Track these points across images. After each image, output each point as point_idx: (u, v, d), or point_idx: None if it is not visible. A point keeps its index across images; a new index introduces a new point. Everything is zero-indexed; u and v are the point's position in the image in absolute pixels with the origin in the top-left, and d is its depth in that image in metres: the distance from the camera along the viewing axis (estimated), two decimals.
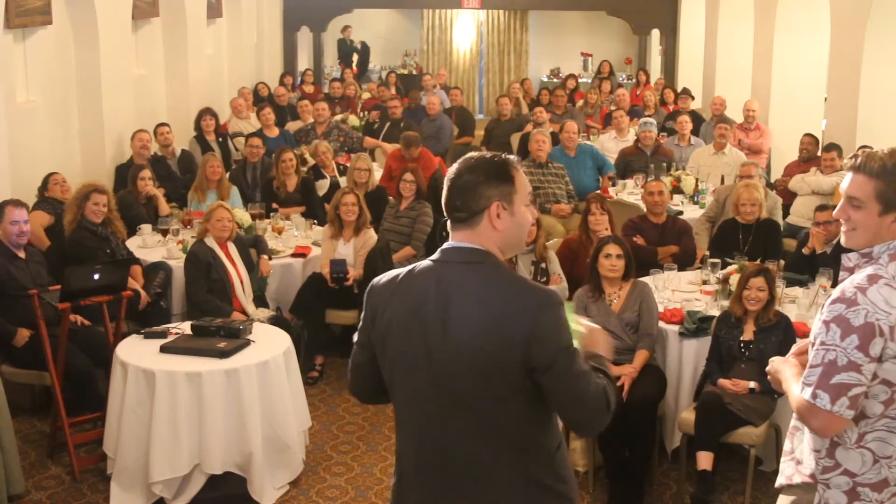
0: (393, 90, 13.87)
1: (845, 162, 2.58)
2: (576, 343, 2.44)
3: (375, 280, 2.59)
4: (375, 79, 17.13)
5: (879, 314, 2.36)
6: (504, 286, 2.40)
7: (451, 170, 2.49)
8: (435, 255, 2.50)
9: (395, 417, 2.60)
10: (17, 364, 5.51)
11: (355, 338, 2.63)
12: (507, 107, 12.00)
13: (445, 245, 2.50)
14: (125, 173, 7.91)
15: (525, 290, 2.40)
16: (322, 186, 8.49)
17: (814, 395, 2.40)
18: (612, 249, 5.17)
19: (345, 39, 18.18)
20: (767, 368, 2.73)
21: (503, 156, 2.51)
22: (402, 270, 2.54)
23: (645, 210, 6.96)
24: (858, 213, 2.48)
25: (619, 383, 4.84)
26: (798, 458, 2.60)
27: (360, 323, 2.60)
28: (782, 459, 2.70)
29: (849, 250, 2.56)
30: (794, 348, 2.74)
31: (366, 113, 12.46)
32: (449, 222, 2.50)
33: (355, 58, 18.21)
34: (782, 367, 2.66)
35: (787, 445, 2.68)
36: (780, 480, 2.67)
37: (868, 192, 2.45)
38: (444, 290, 2.42)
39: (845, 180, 2.54)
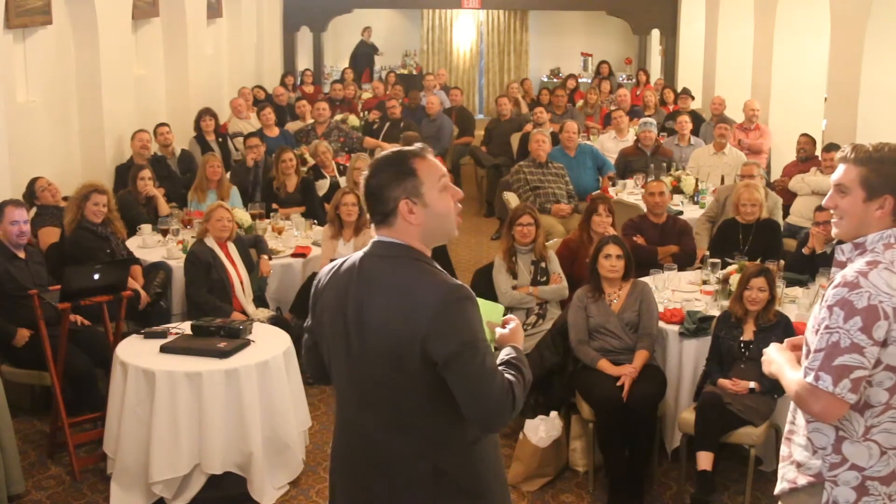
0: (400, 89, 13.87)
1: (837, 156, 2.62)
2: (489, 337, 2.44)
3: (322, 270, 2.65)
4: (376, 78, 17.11)
5: (882, 296, 2.37)
6: (413, 280, 2.40)
7: (365, 172, 2.51)
8: (366, 248, 2.54)
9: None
10: (17, 364, 5.51)
11: (307, 322, 2.70)
12: (506, 107, 12.00)
13: (374, 238, 2.54)
14: (125, 173, 7.92)
15: (432, 284, 2.39)
16: (322, 186, 8.50)
17: (816, 378, 2.40)
18: (612, 250, 5.17)
19: (364, 41, 18.14)
20: (763, 358, 2.73)
21: (403, 149, 2.50)
22: (339, 261, 2.60)
23: (645, 210, 6.96)
24: (844, 200, 2.53)
25: (619, 383, 4.85)
26: (798, 461, 2.59)
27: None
28: (780, 465, 2.68)
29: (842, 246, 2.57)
30: (787, 341, 2.73)
31: (366, 113, 12.46)
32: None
33: (375, 60, 18.25)
34: (777, 356, 2.66)
35: (783, 451, 2.67)
36: (783, 486, 2.64)
37: (853, 177, 2.51)
38: (361, 282, 2.46)
39: (835, 172, 2.60)
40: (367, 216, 6.55)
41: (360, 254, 2.55)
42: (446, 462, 2.45)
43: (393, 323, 2.38)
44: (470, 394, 2.35)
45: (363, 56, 18.07)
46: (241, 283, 6.08)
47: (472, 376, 2.34)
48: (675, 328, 5.19)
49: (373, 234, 2.50)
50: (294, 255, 6.85)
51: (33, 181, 6.81)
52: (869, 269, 2.41)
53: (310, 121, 10.81)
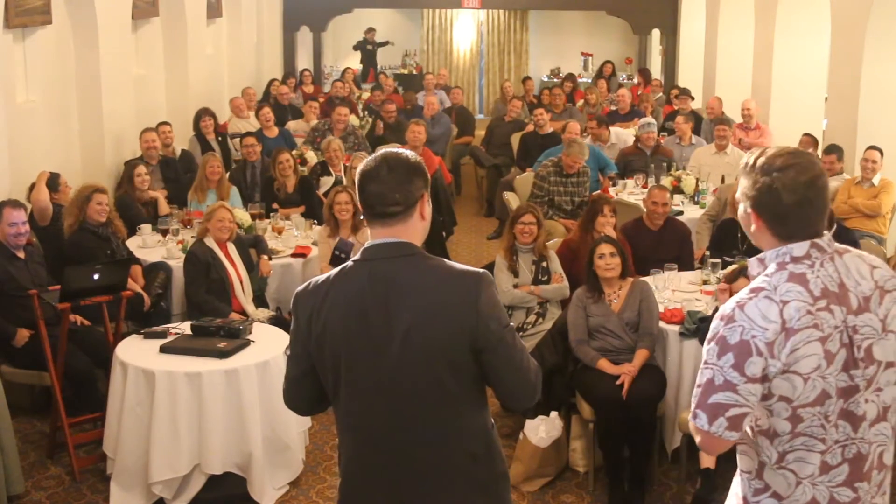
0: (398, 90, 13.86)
1: None
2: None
3: (300, 289, 2.58)
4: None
5: (756, 330, 2.23)
6: (440, 274, 2.44)
7: (371, 168, 2.45)
8: (358, 256, 2.50)
9: (338, 419, 2.61)
10: (17, 364, 5.51)
11: (287, 351, 2.62)
12: (517, 110, 11.99)
13: (368, 244, 2.49)
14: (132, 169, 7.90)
15: (460, 275, 2.44)
16: (326, 183, 8.48)
17: (694, 415, 2.33)
18: (605, 249, 5.17)
19: (367, 42, 18.11)
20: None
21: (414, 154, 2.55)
22: (329, 274, 2.54)
23: (644, 211, 6.88)
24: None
25: (618, 382, 4.85)
26: (735, 490, 2.51)
27: (292, 335, 2.59)
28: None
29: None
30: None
31: (370, 120, 12.37)
32: (371, 220, 2.48)
33: (378, 60, 18.24)
34: None
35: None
36: None
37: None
38: (380, 284, 2.42)
39: None
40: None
41: (354, 262, 2.48)
42: (477, 448, 2.52)
43: (436, 320, 2.38)
44: (515, 372, 2.46)
45: (368, 57, 18.05)
46: (241, 283, 6.08)
47: (515, 355, 2.45)
48: (675, 328, 5.19)
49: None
50: (294, 256, 6.84)
51: (34, 185, 6.79)
52: (749, 298, 2.28)
53: (314, 121, 10.83)
